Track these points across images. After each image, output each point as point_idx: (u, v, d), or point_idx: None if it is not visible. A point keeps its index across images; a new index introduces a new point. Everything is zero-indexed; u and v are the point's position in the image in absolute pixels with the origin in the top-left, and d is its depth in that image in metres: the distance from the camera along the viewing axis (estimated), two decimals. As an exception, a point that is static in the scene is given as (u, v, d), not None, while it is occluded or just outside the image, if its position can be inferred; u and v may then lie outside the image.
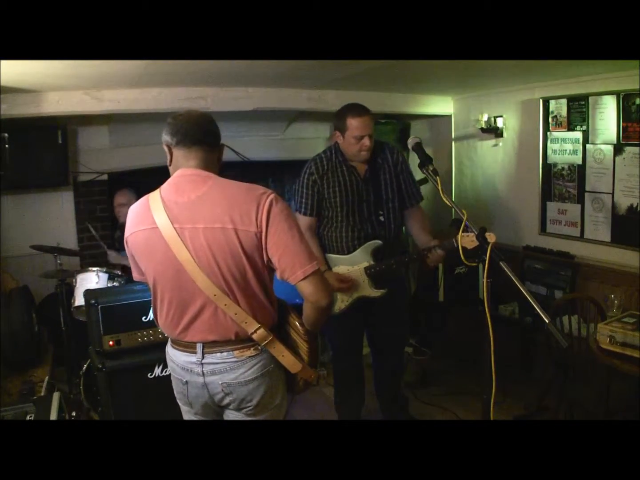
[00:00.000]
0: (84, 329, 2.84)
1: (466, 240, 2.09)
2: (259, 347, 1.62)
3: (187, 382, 1.69)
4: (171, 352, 1.73)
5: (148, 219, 1.59)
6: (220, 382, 1.63)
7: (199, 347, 1.63)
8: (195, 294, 1.58)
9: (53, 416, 1.94)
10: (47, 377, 2.94)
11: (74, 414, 2.12)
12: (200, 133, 1.61)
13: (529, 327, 3.58)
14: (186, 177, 1.60)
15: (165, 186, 1.63)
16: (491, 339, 1.73)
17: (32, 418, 1.95)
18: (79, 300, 3.03)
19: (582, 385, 2.73)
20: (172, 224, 1.54)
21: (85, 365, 2.92)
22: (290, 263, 1.53)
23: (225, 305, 1.56)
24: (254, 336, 1.58)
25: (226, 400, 1.67)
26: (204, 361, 1.63)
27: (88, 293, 2.70)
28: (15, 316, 3.24)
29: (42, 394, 2.69)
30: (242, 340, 1.61)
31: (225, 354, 1.61)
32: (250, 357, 1.62)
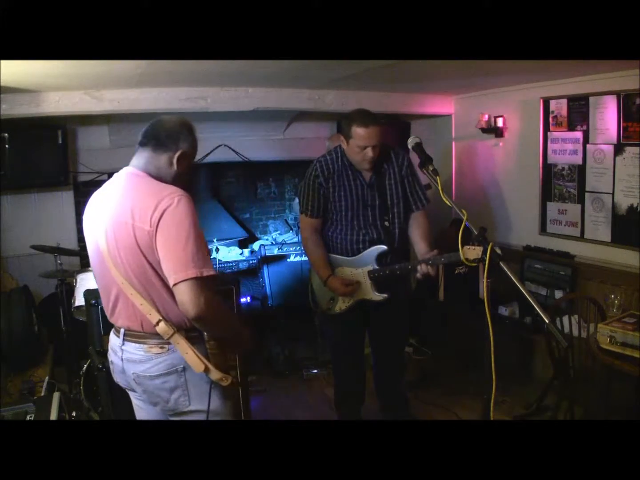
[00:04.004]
0: (84, 329, 2.84)
1: (471, 252, 2.03)
2: (167, 347, 1.65)
3: (111, 361, 1.80)
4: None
5: (88, 207, 1.77)
6: (132, 372, 1.70)
7: (121, 332, 1.72)
8: (112, 281, 1.67)
9: (53, 416, 1.93)
10: (47, 377, 2.93)
11: (74, 414, 2.11)
12: (146, 135, 1.70)
13: (529, 327, 3.58)
14: (119, 174, 1.72)
15: (107, 181, 1.77)
16: (491, 338, 1.73)
17: (32, 418, 1.94)
18: (79, 300, 3.02)
19: (582, 385, 2.73)
20: (97, 215, 1.69)
21: (85, 365, 2.92)
22: (169, 267, 1.54)
23: (131, 294, 1.62)
24: (157, 329, 1.61)
25: (138, 390, 1.73)
26: (123, 347, 1.71)
27: (88, 293, 2.69)
28: (15, 316, 3.24)
29: (42, 394, 2.68)
30: (150, 335, 1.65)
31: (137, 345, 1.68)
32: (156, 354, 1.66)
